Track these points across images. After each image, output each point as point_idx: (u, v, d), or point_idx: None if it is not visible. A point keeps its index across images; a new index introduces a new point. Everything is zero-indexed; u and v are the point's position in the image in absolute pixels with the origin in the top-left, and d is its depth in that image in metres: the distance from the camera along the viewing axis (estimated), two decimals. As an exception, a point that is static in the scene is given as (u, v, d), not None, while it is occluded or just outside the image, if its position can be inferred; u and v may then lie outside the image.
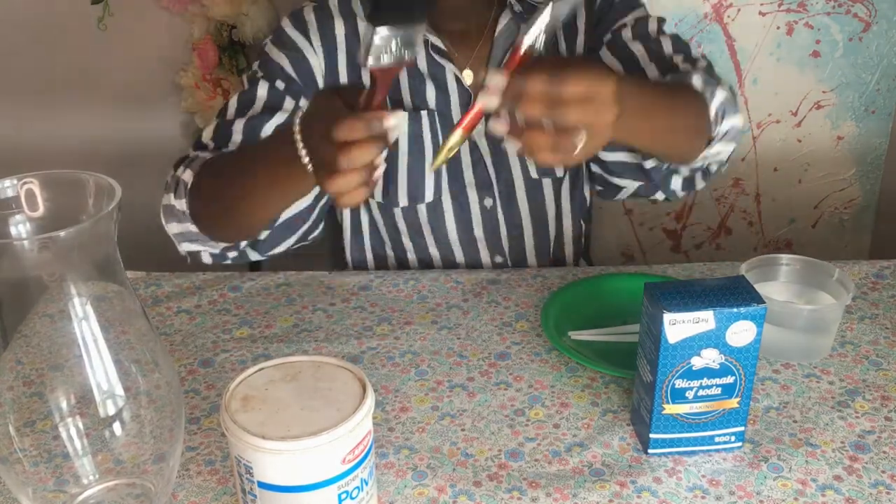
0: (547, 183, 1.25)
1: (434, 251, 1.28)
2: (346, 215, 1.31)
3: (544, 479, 0.84)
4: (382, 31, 0.77)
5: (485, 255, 1.28)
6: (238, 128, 1.09)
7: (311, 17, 1.17)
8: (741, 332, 0.81)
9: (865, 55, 1.54)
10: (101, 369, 0.68)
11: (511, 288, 1.16)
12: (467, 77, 1.20)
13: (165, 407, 0.73)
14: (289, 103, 1.13)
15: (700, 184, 1.13)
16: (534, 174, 1.24)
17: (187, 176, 1.03)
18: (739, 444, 0.87)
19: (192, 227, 1.05)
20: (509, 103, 0.77)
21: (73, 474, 0.72)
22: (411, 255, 1.29)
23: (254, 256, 1.11)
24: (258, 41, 1.60)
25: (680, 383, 0.83)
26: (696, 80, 0.98)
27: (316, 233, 1.14)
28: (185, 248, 1.10)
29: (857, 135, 1.61)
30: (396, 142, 1.19)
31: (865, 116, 1.60)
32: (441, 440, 0.89)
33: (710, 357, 0.82)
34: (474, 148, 1.22)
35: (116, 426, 0.70)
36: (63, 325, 0.67)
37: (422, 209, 1.24)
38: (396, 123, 0.78)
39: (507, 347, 1.03)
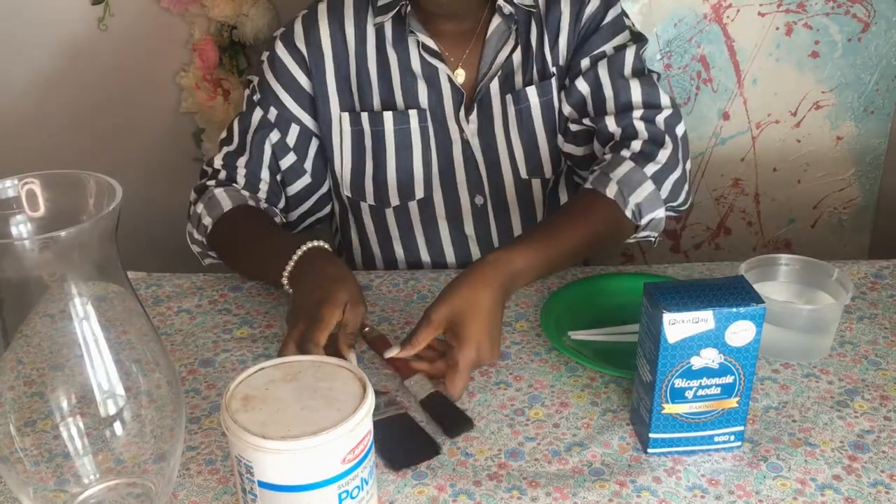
0: (536, 183, 1.26)
1: (425, 255, 1.29)
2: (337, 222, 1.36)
3: (544, 478, 0.84)
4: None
5: (476, 254, 1.28)
6: (242, 162, 1.21)
7: (300, 37, 1.21)
8: (740, 332, 0.81)
9: (864, 55, 1.55)
10: (101, 369, 0.69)
11: (511, 288, 1.16)
12: (459, 76, 1.21)
13: (166, 406, 0.73)
14: (283, 126, 1.21)
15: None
16: (524, 174, 1.24)
17: (207, 221, 1.16)
18: (739, 443, 0.87)
19: (214, 256, 1.19)
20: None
21: (73, 474, 0.72)
22: (401, 261, 1.30)
23: None
24: (259, 41, 1.61)
25: (679, 383, 0.83)
26: (611, 189, 1.08)
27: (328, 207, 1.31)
28: (206, 262, 1.23)
29: (857, 135, 1.61)
30: (384, 143, 1.22)
31: (864, 117, 1.60)
32: (441, 439, 0.89)
33: (709, 357, 0.82)
34: (466, 146, 1.23)
35: (117, 426, 0.70)
36: (64, 324, 0.67)
37: (413, 207, 1.25)
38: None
39: (507, 347, 1.03)
